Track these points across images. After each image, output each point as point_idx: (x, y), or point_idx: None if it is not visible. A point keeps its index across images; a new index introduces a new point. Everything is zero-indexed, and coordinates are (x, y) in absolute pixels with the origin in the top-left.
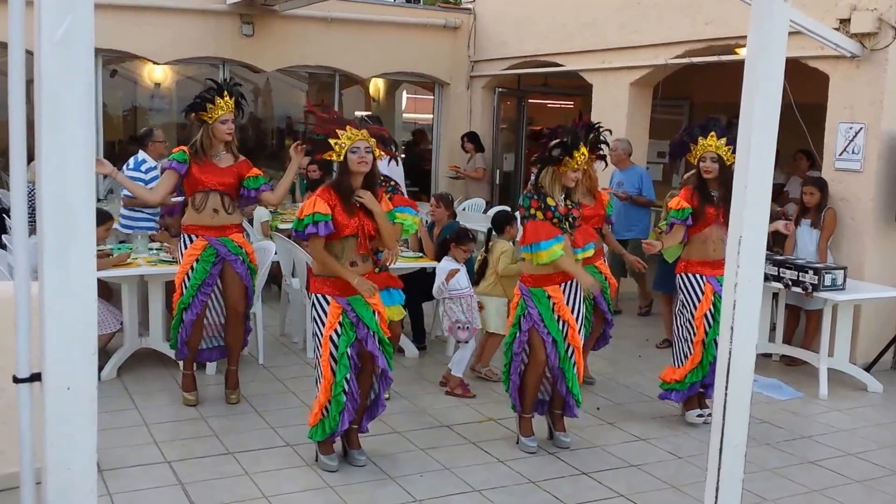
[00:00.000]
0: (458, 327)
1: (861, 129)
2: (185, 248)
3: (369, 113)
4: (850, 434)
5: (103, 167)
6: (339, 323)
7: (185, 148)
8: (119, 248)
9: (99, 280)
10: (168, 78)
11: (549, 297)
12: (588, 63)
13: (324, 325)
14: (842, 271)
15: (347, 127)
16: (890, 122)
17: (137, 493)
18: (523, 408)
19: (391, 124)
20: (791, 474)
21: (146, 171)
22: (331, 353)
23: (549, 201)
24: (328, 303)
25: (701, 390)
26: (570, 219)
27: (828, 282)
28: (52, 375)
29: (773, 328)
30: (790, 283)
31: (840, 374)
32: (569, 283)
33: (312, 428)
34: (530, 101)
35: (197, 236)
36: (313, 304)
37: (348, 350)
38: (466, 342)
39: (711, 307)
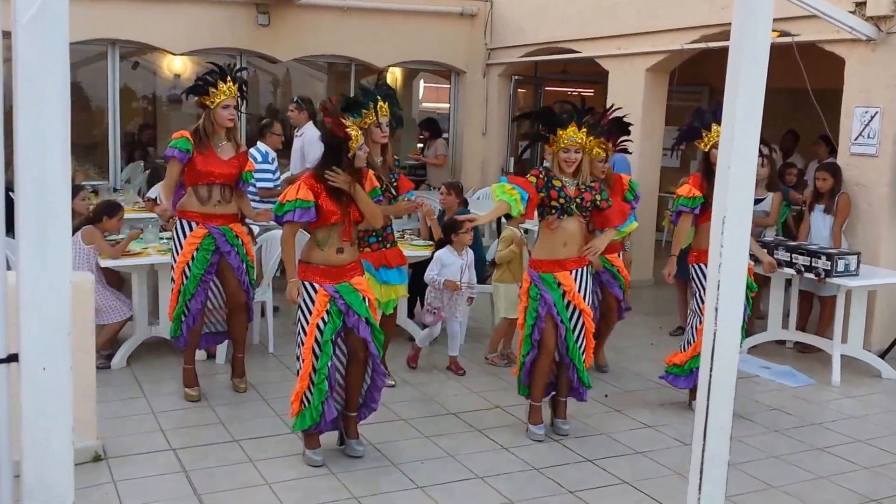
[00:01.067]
0: (427, 311)
1: (877, 113)
2: (184, 234)
3: (379, 82)
4: (860, 421)
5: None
6: (327, 311)
7: (187, 135)
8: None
9: (109, 269)
10: (188, 69)
11: (559, 283)
12: (604, 49)
13: (310, 312)
14: (855, 257)
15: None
16: None
17: (141, 481)
18: (534, 396)
19: (408, 113)
20: (799, 461)
21: (272, 162)
22: (315, 340)
23: (556, 182)
24: (315, 290)
25: None
26: (580, 200)
27: (841, 267)
28: (28, 356)
29: (786, 315)
30: (803, 268)
31: (854, 361)
32: (580, 269)
33: (295, 419)
34: (549, 89)
35: (197, 224)
36: (299, 290)
37: (332, 338)
38: (432, 325)
39: None
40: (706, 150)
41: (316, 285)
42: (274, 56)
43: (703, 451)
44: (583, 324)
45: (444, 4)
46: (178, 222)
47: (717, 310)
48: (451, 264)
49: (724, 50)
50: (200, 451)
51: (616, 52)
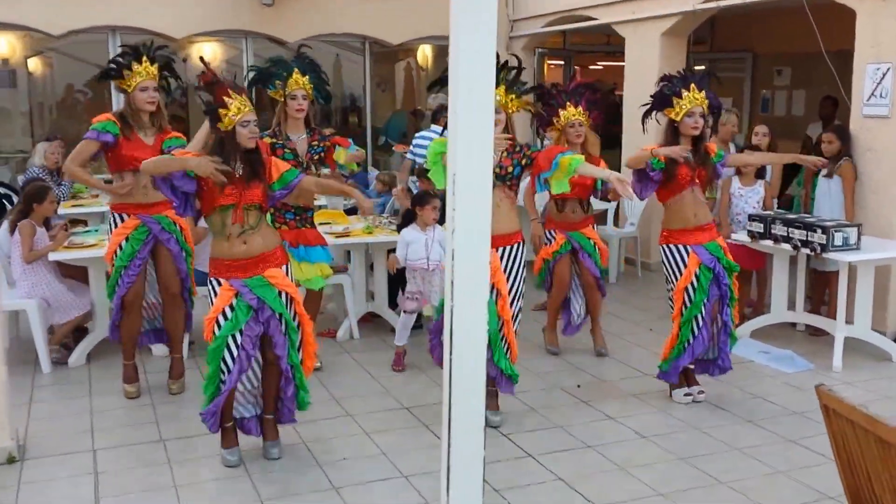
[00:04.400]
0: (408, 297)
1: (889, 69)
2: (116, 228)
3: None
4: None
5: None
6: (230, 306)
7: (113, 118)
8: (89, 233)
9: (67, 264)
10: (217, 56)
11: None
12: (619, 14)
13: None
14: (855, 229)
15: (239, 95)
16: None
17: (47, 484)
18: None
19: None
20: (762, 454)
21: None
22: (213, 334)
23: None
24: (220, 285)
25: (690, 366)
26: (498, 169)
27: (838, 241)
28: None
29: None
30: (799, 244)
31: (866, 344)
32: (508, 247)
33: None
34: (600, 63)
35: (129, 215)
36: (210, 288)
37: (235, 336)
38: (411, 313)
39: (694, 280)
40: (678, 119)
41: (221, 280)
42: (281, 37)
43: (449, 448)
44: (501, 309)
45: None
46: (112, 216)
47: (453, 283)
48: (414, 241)
49: (768, 13)
50: (121, 452)
51: (631, 17)
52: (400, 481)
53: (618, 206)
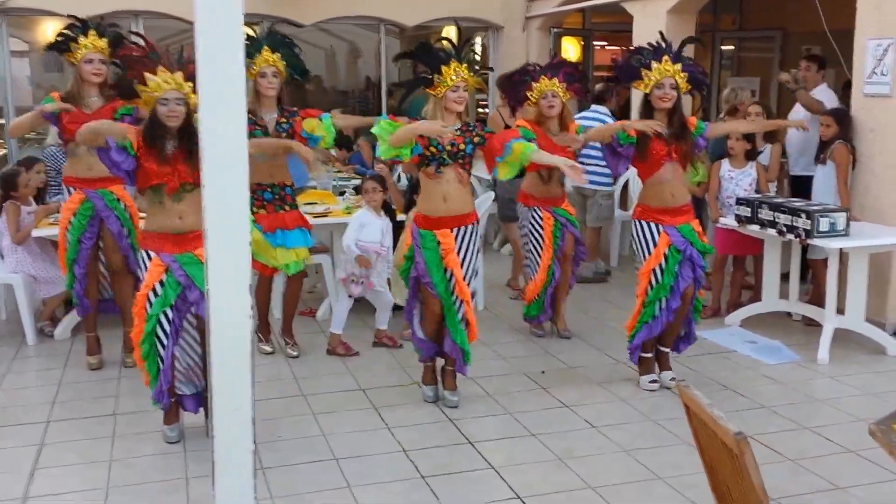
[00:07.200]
0: (352, 281)
1: (890, 45)
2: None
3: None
4: (823, 404)
5: None
6: (160, 282)
7: (55, 95)
8: None
9: (49, 239)
10: None
11: (437, 242)
12: None
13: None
14: (843, 214)
15: (160, 70)
16: None
17: None
18: (423, 355)
19: None
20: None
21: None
22: (146, 312)
23: None
24: (150, 259)
25: (664, 349)
26: (450, 147)
27: (824, 227)
28: None
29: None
30: (784, 229)
31: (862, 336)
32: (463, 228)
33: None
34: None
35: (75, 189)
36: (140, 261)
37: (167, 312)
38: (358, 297)
39: (663, 262)
40: (647, 91)
41: (151, 253)
42: (297, 21)
43: (213, 438)
44: (458, 291)
45: None
46: (65, 190)
47: (209, 263)
48: (369, 223)
49: None
50: (72, 425)
51: None
52: (328, 464)
53: (624, 187)
